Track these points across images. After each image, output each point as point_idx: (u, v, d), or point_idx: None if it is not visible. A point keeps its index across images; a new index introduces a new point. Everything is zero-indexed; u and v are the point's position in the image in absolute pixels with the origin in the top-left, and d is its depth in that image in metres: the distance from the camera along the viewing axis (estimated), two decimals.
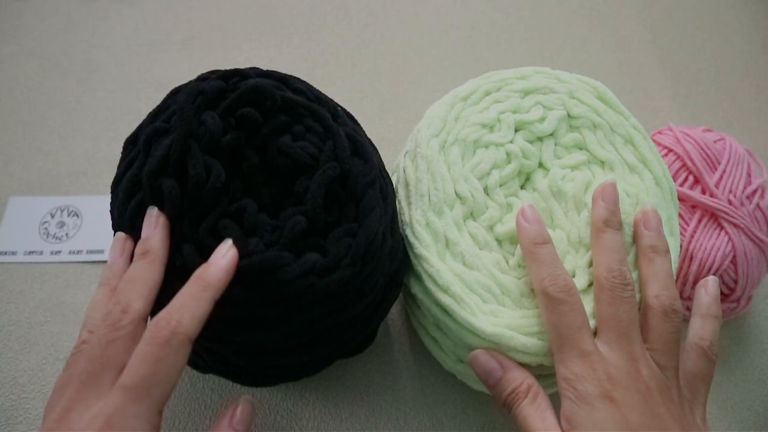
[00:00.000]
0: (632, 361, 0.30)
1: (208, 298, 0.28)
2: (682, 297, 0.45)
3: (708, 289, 0.35)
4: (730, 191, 0.45)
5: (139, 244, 0.30)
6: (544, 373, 0.37)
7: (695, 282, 0.44)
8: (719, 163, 0.46)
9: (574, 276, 0.36)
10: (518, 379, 0.33)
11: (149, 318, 0.29)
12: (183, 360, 0.27)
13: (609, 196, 0.35)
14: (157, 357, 0.26)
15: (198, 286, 0.28)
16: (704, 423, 0.32)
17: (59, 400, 0.27)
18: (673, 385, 0.31)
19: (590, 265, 0.36)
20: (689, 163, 0.46)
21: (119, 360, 0.27)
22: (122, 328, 0.27)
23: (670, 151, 0.47)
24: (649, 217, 0.35)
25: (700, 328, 0.34)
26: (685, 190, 0.45)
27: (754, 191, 0.45)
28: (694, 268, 0.44)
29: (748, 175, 0.46)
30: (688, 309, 0.45)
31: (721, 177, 0.45)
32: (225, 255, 0.29)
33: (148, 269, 0.29)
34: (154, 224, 0.30)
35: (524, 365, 0.35)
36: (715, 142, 0.47)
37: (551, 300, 0.32)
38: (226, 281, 0.29)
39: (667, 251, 0.35)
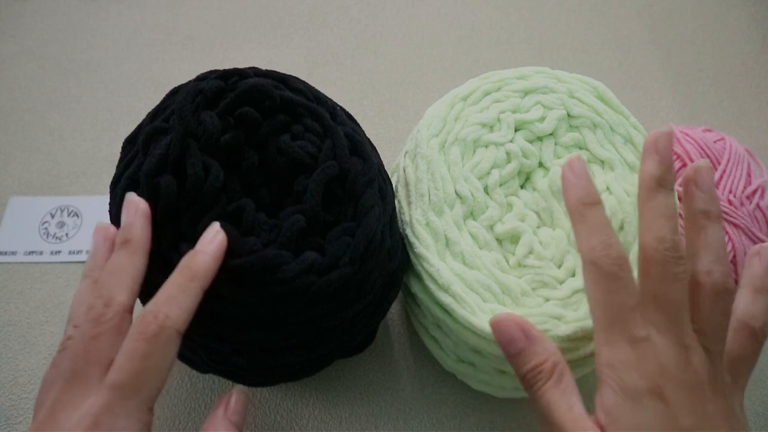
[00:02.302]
0: (682, 348, 0.26)
1: (196, 289, 0.27)
2: None
3: (763, 257, 0.30)
4: (730, 191, 0.45)
5: (120, 232, 0.29)
6: None
7: None
8: (719, 163, 0.46)
9: (574, 275, 0.37)
10: (543, 354, 0.29)
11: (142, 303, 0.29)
12: (172, 354, 0.27)
13: (664, 148, 0.29)
14: (145, 353, 0.26)
15: (185, 276, 0.27)
16: (742, 411, 0.28)
17: (46, 399, 0.26)
18: (719, 372, 0.27)
19: None
20: (689, 163, 0.46)
21: (105, 356, 0.26)
22: (106, 323, 0.26)
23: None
24: (703, 175, 0.29)
25: (752, 305, 0.29)
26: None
27: (754, 191, 0.45)
28: None
29: (748, 175, 0.46)
30: None
31: (721, 177, 0.45)
32: (212, 240, 0.28)
33: (130, 259, 0.28)
34: (134, 211, 0.29)
35: None
36: (715, 142, 0.47)
37: (602, 274, 0.27)
38: (215, 268, 0.28)
39: (720, 217, 0.29)
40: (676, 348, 0.26)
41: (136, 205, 0.29)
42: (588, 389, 0.44)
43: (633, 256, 0.36)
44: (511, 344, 0.30)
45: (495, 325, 0.31)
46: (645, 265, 0.28)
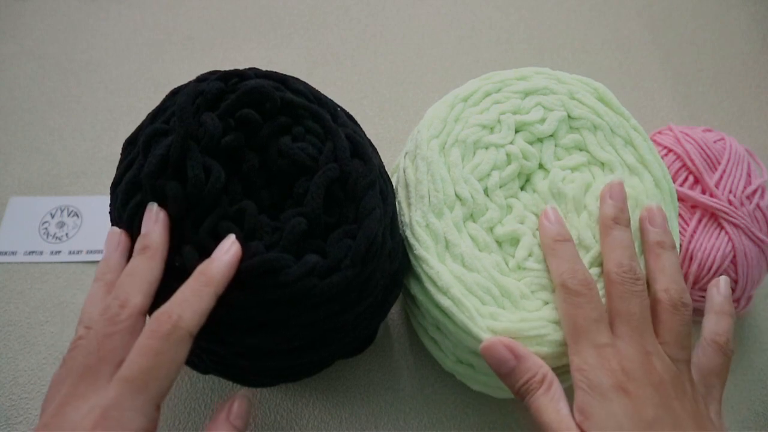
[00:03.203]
0: (646, 354, 0.30)
1: (210, 294, 0.28)
2: None
3: (720, 288, 0.35)
4: (730, 191, 0.45)
5: (139, 239, 0.30)
6: None
7: (695, 282, 0.44)
8: (719, 164, 0.46)
9: None
10: (532, 369, 0.32)
11: (148, 315, 0.29)
12: (183, 355, 0.27)
13: (617, 194, 0.36)
14: (156, 350, 0.26)
15: (200, 281, 0.28)
16: (719, 419, 0.31)
17: (56, 395, 0.27)
18: (686, 378, 0.31)
19: (591, 265, 0.36)
20: (689, 163, 0.46)
21: (117, 354, 0.27)
22: (120, 323, 0.27)
23: (670, 151, 0.47)
24: (654, 214, 0.36)
25: (715, 325, 0.34)
26: (685, 190, 0.45)
27: (754, 191, 0.45)
28: (694, 268, 0.44)
29: (748, 175, 0.46)
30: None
31: (721, 177, 0.45)
32: (228, 251, 0.29)
33: (148, 264, 0.29)
34: (154, 219, 0.30)
35: None
36: (715, 142, 0.47)
37: (569, 292, 0.32)
38: (229, 277, 0.29)
39: (674, 246, 0.35)
40: (639, 353, 0.30)
41: (156, 214, 0.30)
42: None
43: (639, 251, 0.36)
44: (502, 365, 0.33)
45: (485, 351, 0.33)
46: (609, 288, 0.33)
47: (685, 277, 0.44)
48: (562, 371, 0.37)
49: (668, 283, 0.33)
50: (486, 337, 0.33)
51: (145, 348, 0.26)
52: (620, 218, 0.35)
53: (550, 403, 0.31)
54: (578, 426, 0.30)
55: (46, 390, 0.43)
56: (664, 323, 0.32)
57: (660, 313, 0.33)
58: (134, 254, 0.30)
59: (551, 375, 0.32)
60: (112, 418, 0.25)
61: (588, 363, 0.31)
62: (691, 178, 0.46)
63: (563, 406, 0.31)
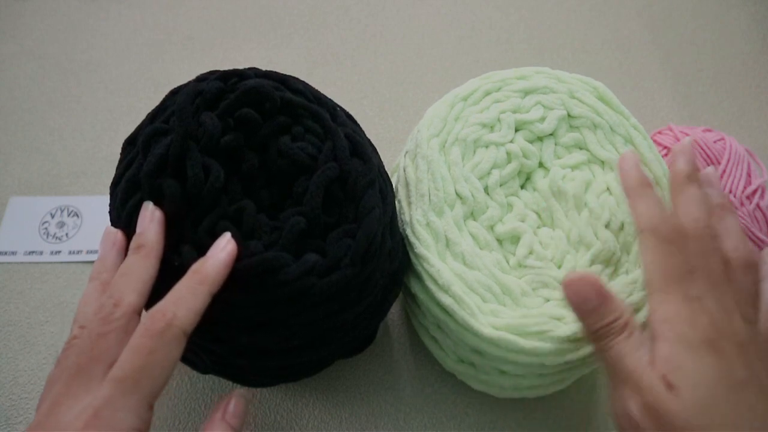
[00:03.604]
0: (728, 313, 0.28)
1: (205, 292, 0.28)
2: None
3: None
4: (730, 191, 0.45)
5: (134, 238, 0.30)
6: (545, 372, 0.37)
7: None
8: (719, 164, 0.46)
9: None
10: (616, 312, 0.30)
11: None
12: (177, 354, 0.27)
13: (690, 152, 0.33)
14: (150, 349, 0.26)
15: (194, 279, 0.28)
16: None
17: (48, 395, 0.27)
18: (759, 339, 0.29)
19: (593, 262, 0.36)
20: None
21: (111, 354, 0.26)
22: (114, 321, 0.27)
23: (671, 151, 0.47)
24: (711, 176, 0.34)
25: None
26: None
27: (754, 191, 0.45)
28: None
29: (748, 175, 0.46)
30: None
31: (721, 177, 0.45)
32: (224, 248, 0.29)
33: (143, 263, 0.29)
34: (150, 218, 0.30)
35: (525, 365, 0.36)
36: (715, 142, 0.47)
37: (661, 239, 0.30)
38: (224, 275, 0.28)
39: (733, 208, 0.33)
40: (723, 312, 0.28)
41: (151, 212, 0.30)
42: (587, 389, 0.45)
43: (633, 257, 0.36)
44: (583, 304, 0.31)
45: (567, 286, 0.31)
46: (684, 243, 0.30)
47: None
48: (566, 368, 0.37)
49: (737, 242, 0.31)
50: (488, 332, 0.33)
51: (137, 347, 0.26)
52: (694, 175, 0.32)
53: (633, 349, 0.29)
54: (663, 377, 0.27)
55: None
56: (735, 283, 0.30)
57: (730, 273, 0.30)
58: (129, 253, 0.30)
59: (633, 322, 0.30)
60: (104, 417, 0.25)
61: (677, 314, 0.28)
62: None
63: (645, 353, 0.29)
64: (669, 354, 0.28)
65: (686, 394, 0.27)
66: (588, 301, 0.31)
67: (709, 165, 0.46)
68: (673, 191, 0.32)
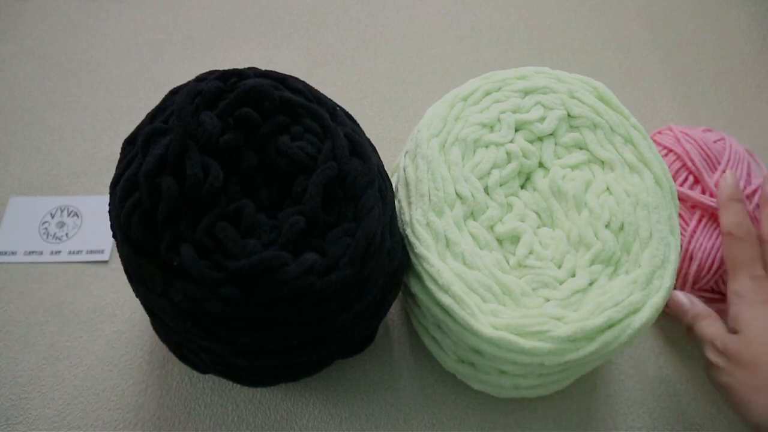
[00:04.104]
0: None
1: None
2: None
3: None
4: None
5: None
6: (545, 372, 0.37)
7: (695, 282, 0.44)
8: (719, 164, 0.46)
9: (574, 276, 0.37)
10: (699, 306, 0.42)
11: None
12: None
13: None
14: None
15: None
16: None
17: None
18: None
19: (593, 262, 0.36)
20: (689, 164, 0.46)
21: None
22: None
23: (670, 151, 0.47)
24: None
25: None
26: (685, 190, 0.45)
27: (754, 191, 0.45)
28: (694, 268, 0.44)
29: (748, 175, 0.46)
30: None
31: (721, 177, 0.45)
32: None
33: None
34: None
35: (525, 365, 0.36)
36: (715, 142, 0.47)
37: (735, 237, 0.41)
38: None
39: None
40: None
41: None
42: (587, 389, 0.45)
43: (633, 257, 0.36)
44: (680, 308, 0.43)
45: (670, 300, 0.43)
46: (763, 247, 0.41)
47: (685, 277, 0.44)
48: (566, 368, 0.37)
49: None
50: (488, 332, 0.33)
51: None
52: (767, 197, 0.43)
53: (710, 324, 0.40)
54: (731, 330, 0.39)
55: (46, 390, 0.43)
56: None
57: None
58: None
59: (713, 313, 0.41)
60: None
61: (744, 287, 0.39)
62: (691, 178, 0.46)
63: (721, 325, 0.40)
64: (735, 314, 0.39)
65: (746, 335, 0.37)
66: (683, 306, 0.42)
67: (708, 165, 0.46)
68: (761, 206, 0.43)
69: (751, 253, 0.40)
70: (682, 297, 0.43)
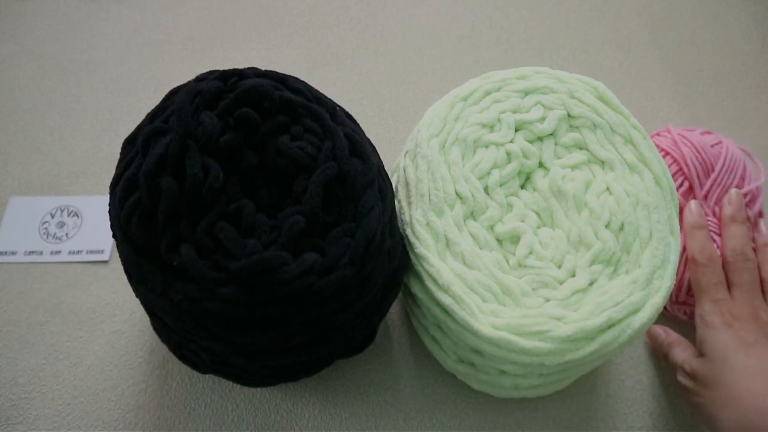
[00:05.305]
0: (753, 308, 0.40)
1: None
2: (677, 302, 0.45)
3: None
4: (716, 202, 0.45)
5: None
6: (545, 372, 0.37)
7: (690, 288, 0.44)
8: (713, 169, 0.46)
9: (574, 276, 0.37)
10: (673, 336, 0.44)
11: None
12: None
13: (735, 201, 0.45)
14: None
15: None
16: None
17: None
18: None
19: (593, 263, 0.36)
20: (685, 169, 0.46)
21: None
22: None
23: (668, 154, 0.47)
24: (760, 222, 0.46)
25: None
26: (679, 197, 0.45)
27: (744, 195, 0.45)
28: (688, 274, 0.44)
29: (742, 179, 0.46)
30: (685, 313, 0.45)
31: (711, 186, 0.45)
32: None
33: None
34: None
35: (525, 365, 0.36)
36: (712, 146, 0.47)
37: (697, 263, 0.43)
38: None
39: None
40: (748, 307, 0.40)
41: None
42: (587, 389, 0.45)
43: (633, 257, 0.36)
44: (656, 338, 0.45)
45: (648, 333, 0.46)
46: (726, 267, 0.43)
47: (680, 282, 0.44)
48: (566, 368, 0.37)
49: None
50: (488, 332, 0.33)
51: None
52: (737, 216, 0.44)
53: (681, 351, 0.42)
54: (699, 354, 0.40)
55: (46, 390, 0.43)
56: None
57: (765, 286, 0.42)
58: None
59: (685, 341, 0.43)
60: None
61: (706, 311, 0.41)
62: (686, 184, 0.46)
63: (691, 351, 0.42)
64: (699, 337, 0.41)
65: (708, 357, 0.39)
66: (658, 337, 0.45)
67: (703, 170, 0.46)
68: (723, 226, 0.45)
69: (713, 278, 0.42)
70: (658, 329, 0.45)
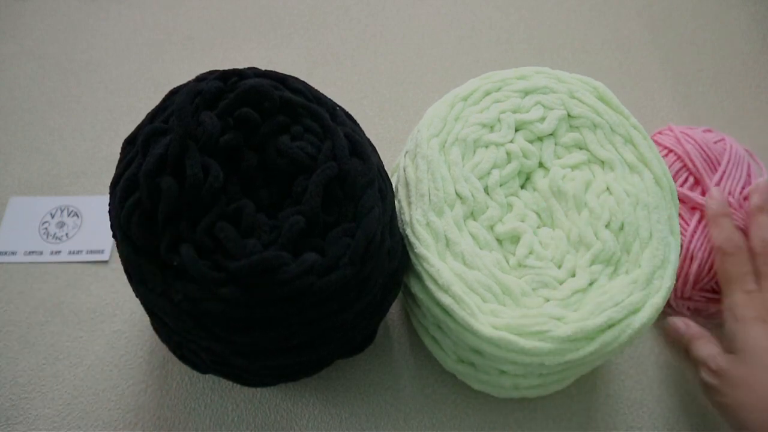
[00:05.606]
0: None
1: None
2: (682, 297, 0.45)
3: None
4: (729, 193, 0.45)
5: None
6: (545, 372, 0.37)
7: (695, 282, 0.44)
8: (719, 164, 0.46)
9: (574, 276, 0.37)
10: (694, 328, 0.42)
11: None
12: None
13: (764, 191, 0.43)
14: None
15: None
16: None
17: None
18: None
19: (593, 262, 0.36)
20: (689, 164, 0.46)
21: None
22: None
23: (671, 151, 0.47)
24: None
25: None
26: (685, 191, 0.45)
27: None
28: (694, 268, 0.44)
29: (748, 175, 0.46)
30: (689, 309, 0.45)
31: (721, 178, 0.45)
32: None
33: None
34: None
35: (525, 365, 0.36)
36: (715, 142, 0.47)
37: (725, 253, 0.41)
38: None
39: None
40: None
41: None
42: (587, 389, 0.45)
43: (633, 257, 0.36)
44: (677, 331, 0.43)
45: (667, 328, 0.44)
46: (755, 258, 0.41)
47: (686, 277, 0.44)
48: (566, 368, 0.37)
49: None
50: (488, 332, 0.33)
51: None
52: (766, 206, 0.43)
53: (704, 346, 0.40)
54: (726, 349, 0.38)
55: (46, 390, 0.43)
56: None
57: None
58: None
59: (708, 334, 0.41)
60: None
61: (736, 302, 0.39)
62: (691, 179, 0.46)
63: (714, 346, 0.40)
64: (728, 331, 0.39)
65: (738, 355, 0.37)
66: (678, 330, 0.42)
67: (709, 166, 0.46)
68: (751, 218, 0.43)
69: (742, 268, 0.40)
70: (678, 321, 0.43)
